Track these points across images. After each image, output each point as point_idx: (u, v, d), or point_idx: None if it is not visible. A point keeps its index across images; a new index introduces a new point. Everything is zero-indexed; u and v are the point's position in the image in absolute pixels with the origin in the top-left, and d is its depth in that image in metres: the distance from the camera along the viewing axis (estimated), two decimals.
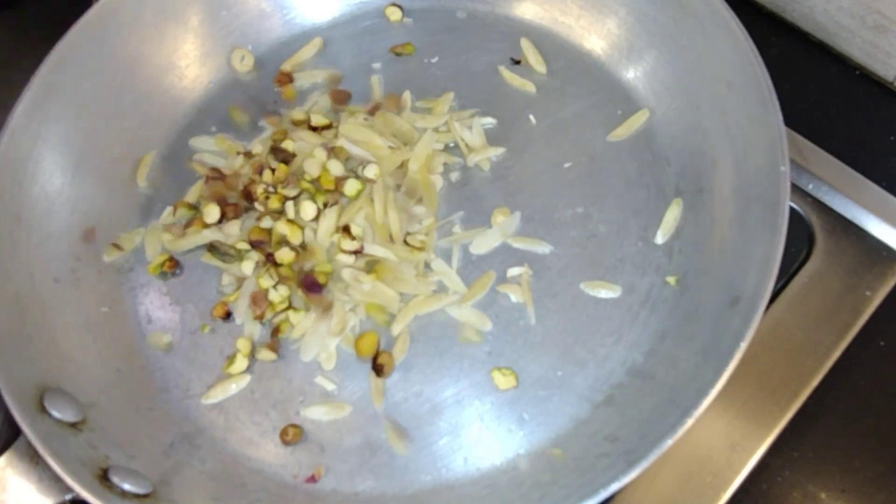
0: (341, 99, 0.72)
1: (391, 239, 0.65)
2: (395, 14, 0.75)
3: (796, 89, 0.69)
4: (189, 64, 0.73)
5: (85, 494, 0.52)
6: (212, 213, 0.66)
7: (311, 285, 0.63)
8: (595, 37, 0.72)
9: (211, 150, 0.71)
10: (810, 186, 0.67)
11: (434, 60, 0.74)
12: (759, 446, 0.58)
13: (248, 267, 0.64)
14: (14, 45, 0.81)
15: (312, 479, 0.59)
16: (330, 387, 0.61)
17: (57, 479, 0.53)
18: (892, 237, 0.64)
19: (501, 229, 0.65)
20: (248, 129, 0.72)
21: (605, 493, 0.50)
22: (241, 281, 0.65)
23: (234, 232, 0.66)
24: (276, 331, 0.63)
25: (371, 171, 0.66)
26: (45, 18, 0.80)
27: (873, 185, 0.66)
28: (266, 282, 0.63)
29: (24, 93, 0.64)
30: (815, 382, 0.60)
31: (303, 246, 0.64)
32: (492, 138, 0.69)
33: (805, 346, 0.61)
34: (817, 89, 0.72)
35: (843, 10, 0.70)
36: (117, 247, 0.66)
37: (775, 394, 0.60)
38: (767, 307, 0.53)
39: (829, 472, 0.59)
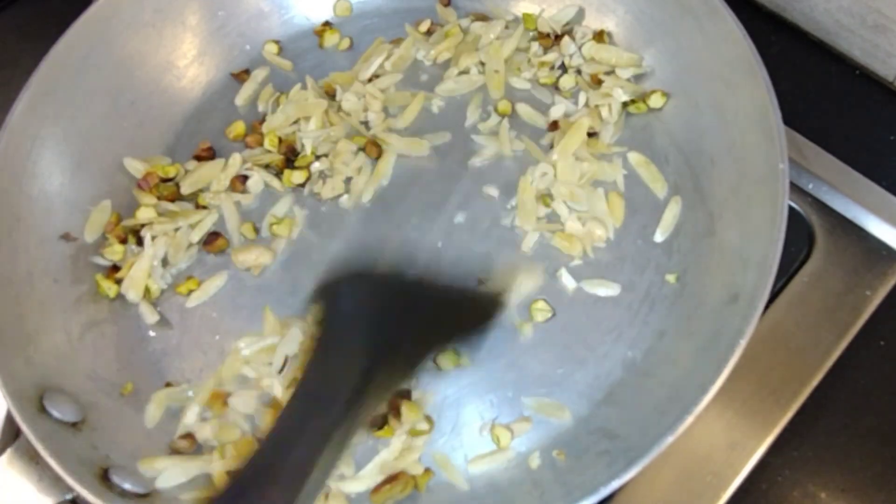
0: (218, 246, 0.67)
1: None
2: None
3: (796, 89, 0.69)
4: (188, 63, 0.73)
5: (85, 494, 0.52)
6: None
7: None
8: None
9: None
10: (810, 186, 0.67)
11: None
12: (759, 446, 0.58)
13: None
14: (14, 45, 0.81)
15: None
16: None
17: (57, 479, 0.53)
18: (892, 237, 0.64)
19: None
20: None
21: (605, 491, 0.50)
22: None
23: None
24: None
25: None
26: (44, 18, 0.80)
27: (873, 184, 0.66)
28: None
29: (23, 93, 0.64)
30: (815, 382, 0.60)
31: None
32: None
33: (805, 346, 0.61)
34: (817, 89, 0.72)
35: (843, 10, 0.70)
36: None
37: (775, 393, 0.60)
38: (767, 307, 0.53)
39: (829, 472, 0.59)
